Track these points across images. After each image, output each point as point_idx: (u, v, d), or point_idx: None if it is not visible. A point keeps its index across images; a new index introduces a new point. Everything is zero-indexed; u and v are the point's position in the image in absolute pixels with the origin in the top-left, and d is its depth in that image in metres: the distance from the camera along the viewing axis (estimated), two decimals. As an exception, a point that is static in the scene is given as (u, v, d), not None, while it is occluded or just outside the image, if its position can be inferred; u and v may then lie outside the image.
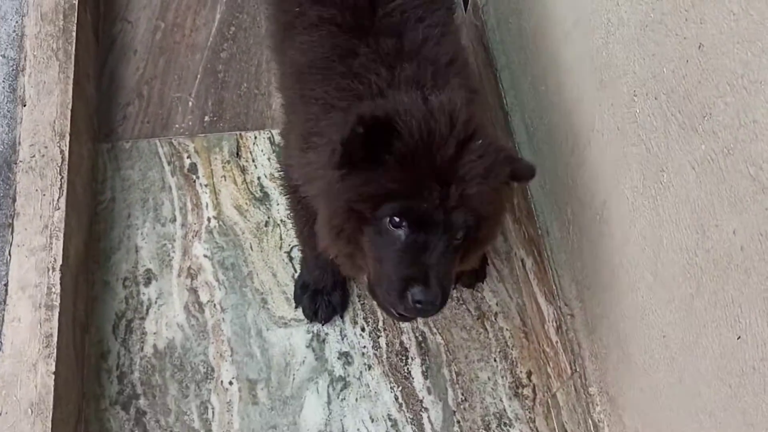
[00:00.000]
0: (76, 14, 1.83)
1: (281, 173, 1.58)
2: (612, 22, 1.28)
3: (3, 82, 1.72)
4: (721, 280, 1.00)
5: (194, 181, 1.87)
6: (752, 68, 0.92)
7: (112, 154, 1.89)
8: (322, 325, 1.68)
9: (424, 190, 1.14)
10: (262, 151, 1.93)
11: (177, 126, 1.96)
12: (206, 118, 1.98)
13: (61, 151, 1.64)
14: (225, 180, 1.88)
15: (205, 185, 1.86)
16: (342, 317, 1.70)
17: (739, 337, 0.96)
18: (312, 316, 1.68)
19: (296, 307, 1.70)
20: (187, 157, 1.90)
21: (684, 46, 1.06)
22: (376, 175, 1.16)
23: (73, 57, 1.76)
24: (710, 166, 1.02)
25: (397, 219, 1.16)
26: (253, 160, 1.91)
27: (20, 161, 1.63)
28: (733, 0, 0.95)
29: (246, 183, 1.88)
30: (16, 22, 1.81)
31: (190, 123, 1.96)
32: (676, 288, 1.11)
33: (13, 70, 1.75)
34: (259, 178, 1.89)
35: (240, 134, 1.95)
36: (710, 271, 1.02)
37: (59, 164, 1.62)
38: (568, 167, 1.51)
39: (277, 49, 1.59)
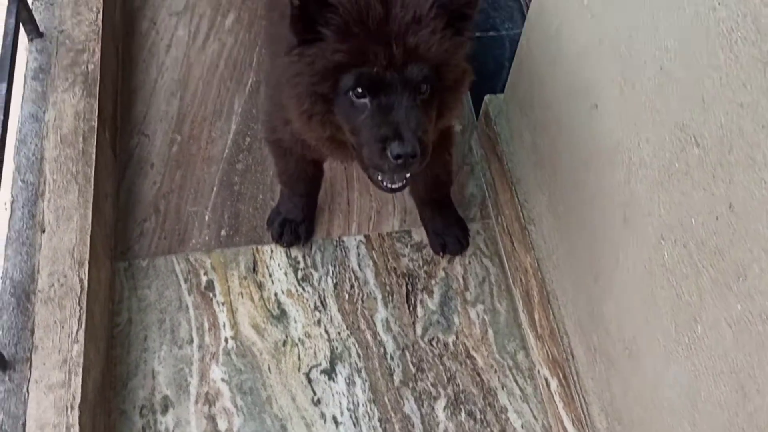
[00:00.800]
0: (95, 135, 1.84)
1: (264, 127, 1.75)
2: (633, 161, 1.29)
3: (23, 207, 1.73)
4: (766, 448, 0.97)
5: (211, 300, 1.85)
6: (788, 239, 0.91)
7: (129, 272, 1.88)
8: (284, 247, 1.92)
9: (369, 54, 1.24)
10: (278, 265, 1.92)
11: (194, 241, 1.96)
12: (222, 232, 1.98)
13: (81, 280, 1.63)
14: (242, 297, 1.87)
15: (222, 303, 1.85)
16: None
17: None
18: (277, 237, 1.91)
19: (267, 229, 1.94)
20: (204, 274, 1.89)
21: (713, 203, 1.06)
22: (321, 50, 1.27)
23: (92, 180, 1.77)
24: (748, 328, 1.00)
25: (359, 90, 1.27)
26: (270, 275, 1.90)
27: (39, 291, 1.62)
28: (763, 168, 0.95)
29: (263, 300, 1.86)
30: (36, 145, 1.82)
31: (207, 238, 1.97)
32: (717, 446, 1.09)
33: (32, 195, 1.75)
34: (276, 294, 1.87)
35: (256, 248, 1.95)
36: (754, 436, 1.00)
37: (78, 294, 1.61)
38: (591, 295, 1.50)
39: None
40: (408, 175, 1.39)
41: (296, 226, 1.92)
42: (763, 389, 0.97)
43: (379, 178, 1.40)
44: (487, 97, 2.05)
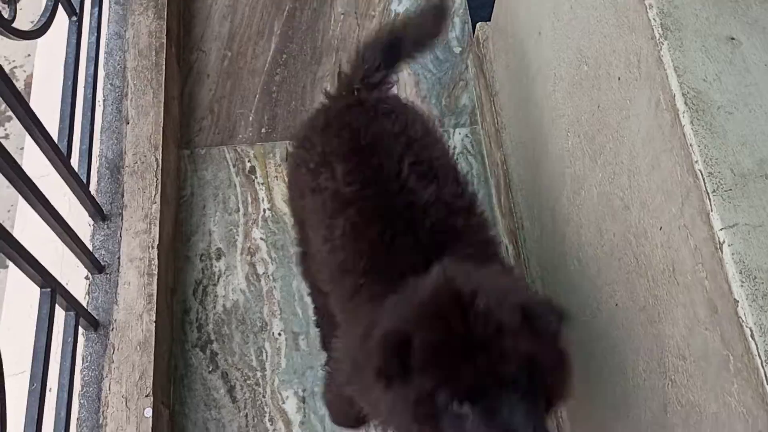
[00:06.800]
0: (164, 50, 2.37)
1: (330, 381, 1.87)
2: (557, 75, 1.75)
3: (112, 105, 2.28)
4: None
5: (253, 180, 2.40)
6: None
7: (191, 158, 2.44)
8: None
9: (458, 368, 1.15)
10: (306, 156, 2.44)
11: (240, 136, 2.49)
12: (263, 130, 2.51)
13: (156, 160, 2.19)
14: (277, 179, 2.41)
15: (262, 183, 2.40)
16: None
17: None
18: None
19: None
20: (248, 161, 2.43)
21: (590, 104, 1.53)
22: (410, 384, 1.17)
23: (163, 85, 2.30)
24: (605, 189, 1.49)
25: (456, 402, 1.15)
26: (299, 164, 2.44)
27: (126, 166, 2.18)
28: (615, 69, 1.41)
29: (293, 182, 2.40)
30: (120, 57, 2.36)
31: (251, 134, 2.50)
32: None
33: (119, 95, 2.30)
34: (303, 179, 2.41)
35: (289, 143, 2.47)
36: None
37: (155, 169, 2.17)
38: (532, 174, 1.98)
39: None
40: None
41: None
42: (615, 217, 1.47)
43: None
44: (478, 25, 2.49)
